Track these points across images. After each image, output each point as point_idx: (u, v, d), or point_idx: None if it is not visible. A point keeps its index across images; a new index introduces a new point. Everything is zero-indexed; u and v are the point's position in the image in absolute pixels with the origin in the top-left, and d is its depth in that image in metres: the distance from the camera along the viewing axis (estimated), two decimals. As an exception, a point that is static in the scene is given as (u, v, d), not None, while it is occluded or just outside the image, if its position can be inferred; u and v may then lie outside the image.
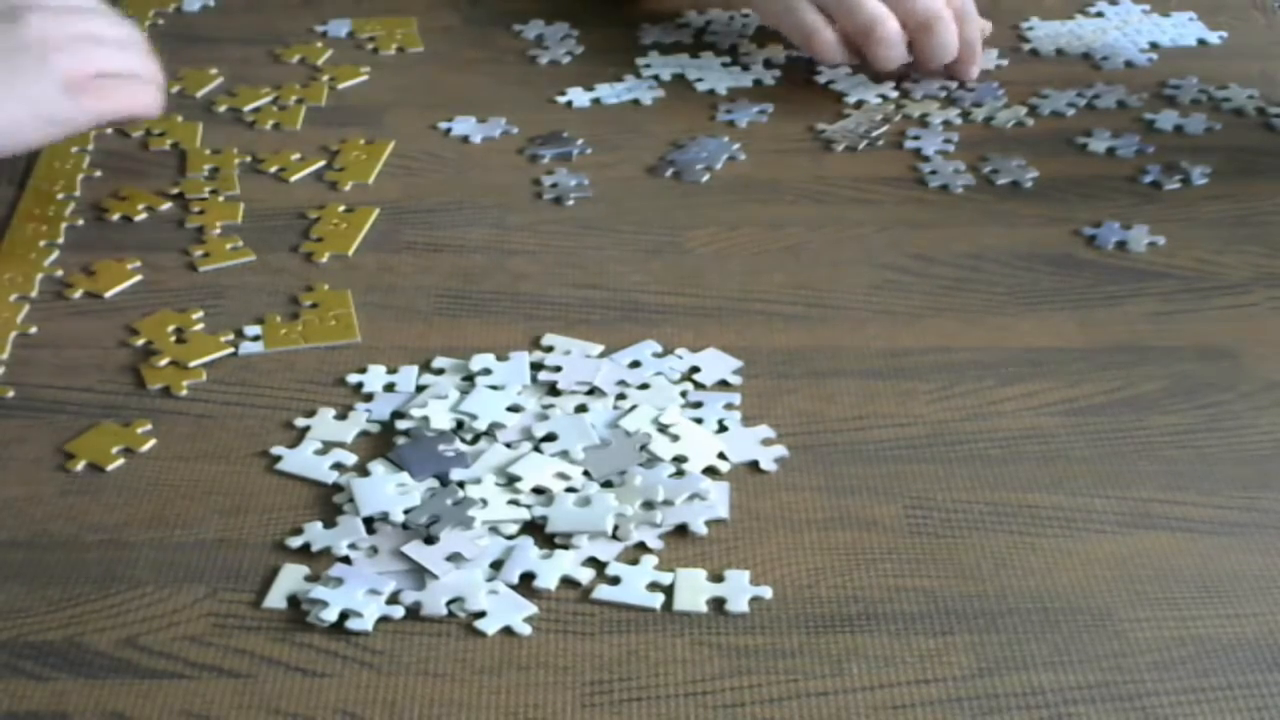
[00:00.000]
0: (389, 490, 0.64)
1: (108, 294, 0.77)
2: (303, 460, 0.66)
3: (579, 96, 0.95)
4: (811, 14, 0.92)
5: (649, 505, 0.63)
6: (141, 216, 0.83)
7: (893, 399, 0.70)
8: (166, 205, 0.84)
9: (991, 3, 1.04)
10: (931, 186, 0.85)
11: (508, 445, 0.66)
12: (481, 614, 0.59)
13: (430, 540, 0.61)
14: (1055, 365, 0.72)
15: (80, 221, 0.83)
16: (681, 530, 0.62)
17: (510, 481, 0.64)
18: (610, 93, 0.95)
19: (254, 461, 0.67)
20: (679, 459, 0.66)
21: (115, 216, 0.83)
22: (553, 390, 0.70)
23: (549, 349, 0.73)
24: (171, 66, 0.89)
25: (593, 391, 0.70)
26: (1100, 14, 1.04)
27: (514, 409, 0.68)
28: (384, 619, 0.59)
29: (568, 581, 0.60)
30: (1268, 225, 0.82)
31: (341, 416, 0.69)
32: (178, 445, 0.67)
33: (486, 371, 0.71)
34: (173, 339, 0.74)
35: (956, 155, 0.88)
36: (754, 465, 0.66)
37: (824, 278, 0.78)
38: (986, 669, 0.56)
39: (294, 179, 0.87)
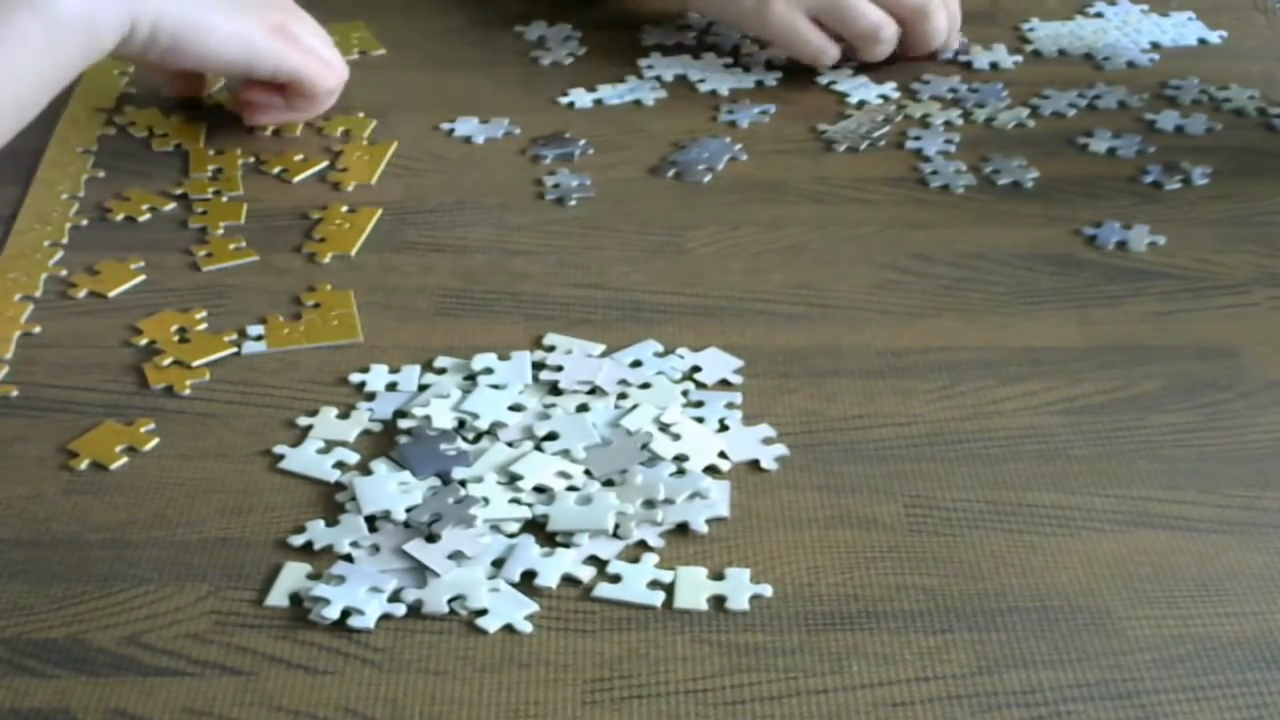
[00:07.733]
0: (391, 489, 0.64)
1: (111, 294, 0.77)
2: (305, 459, 0.66)
3: (581, 97, 0.95)
4: (815, 35, 0.94)
5: (650, 504, 0.63)
6: (145, 217, 0.84)
7: (893, 398, 0.70)
8: (170, 206, 0.85)
9: (992, 4, 1.04)
10: (932, 187, 0.86)
11: (509, 444, 0.67)
12: (483, 612, 0.59)
13: (432, 538, 0.62)
14: (1055, 364, 0.72)
15: (84, 222, 0.83)
16: (682, 528, 0.63)
17: (512, 480, 0.64)
18: (612, 94, 0.95)
19: (256, 460, 0.67)
20: (680, 458, 0.66)
21: (119, 217, 0.84)
22: (554, 389, 0.70)
23: (550, 348, 0.73)
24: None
25: (594, 391, 0.70)
26: (1099, 14, 1.04)
27: (515, 408, 0.69)
28: (386, 617, 0.59)
29: (569, 579, 0.60)
30: (1268, 225, 0.82)
31: (344, 415, 0.69)
32: (180, 444, 0.68)
33: (488, 371, 0.71)
34: (176, 339, 0.74)
35: (957, 155, 0.88)
36: (755, 464, 0.66)
37: (825, 277, 0.78)
38: (986, 667, 0.57)
39: (297, 179, 0.87)
